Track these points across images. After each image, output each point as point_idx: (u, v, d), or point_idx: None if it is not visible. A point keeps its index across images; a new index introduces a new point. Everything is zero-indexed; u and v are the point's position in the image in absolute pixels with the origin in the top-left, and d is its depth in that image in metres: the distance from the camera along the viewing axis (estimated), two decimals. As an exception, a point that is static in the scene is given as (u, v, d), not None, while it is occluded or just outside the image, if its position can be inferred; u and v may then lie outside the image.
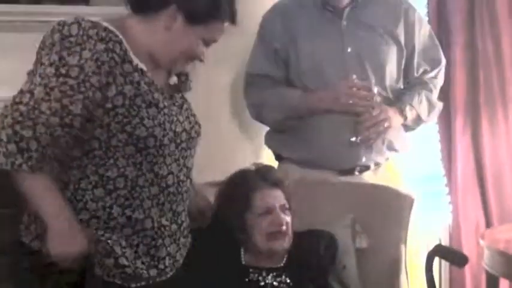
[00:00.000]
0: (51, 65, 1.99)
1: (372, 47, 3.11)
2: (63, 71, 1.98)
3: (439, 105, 3.34)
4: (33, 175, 1.98)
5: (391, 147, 3.16)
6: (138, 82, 2.07)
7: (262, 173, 2.76)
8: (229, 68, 3.50)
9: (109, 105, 2.03)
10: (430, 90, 3.28)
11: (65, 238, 2.02)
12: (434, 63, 3.31)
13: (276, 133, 3.25)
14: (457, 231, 3.86)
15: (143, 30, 2.14)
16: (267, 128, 3.31)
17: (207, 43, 2.18)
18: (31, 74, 2.04)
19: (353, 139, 3.07)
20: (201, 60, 2.20)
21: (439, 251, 3.00)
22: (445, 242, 3.87)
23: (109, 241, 2.06)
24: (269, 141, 3.29)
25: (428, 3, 3.77)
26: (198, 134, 2.26)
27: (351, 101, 3.00)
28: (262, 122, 3.29)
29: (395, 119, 3.12)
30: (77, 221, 2.05)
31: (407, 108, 3.15)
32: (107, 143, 2.05)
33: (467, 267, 3.59)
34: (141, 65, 2.10)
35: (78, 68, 1.99)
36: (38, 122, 1.96)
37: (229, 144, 3.59)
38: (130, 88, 2.05)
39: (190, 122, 2.23)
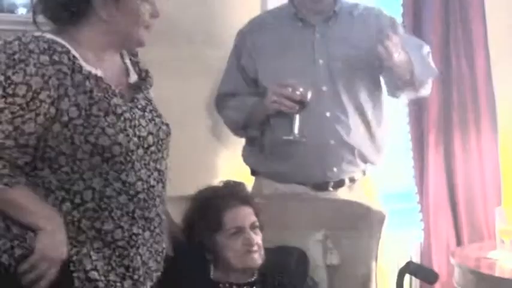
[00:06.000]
0: None
1: (344, 59, 3.10)
2: (10, 90, 1.95)
3: (434, 70, 3.21)
4: (13, 189, 1.98)
5: (363, 158, 3.16)
6: (91, 90, 2.04)
7: (231, 191, 2.75)
8: (207, 80, 3.51)
9: (65, 119, 2.00)
10: (425, 54, 3.19)
11: (55, 242, 2.00)
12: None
13: (251, 148, 3.25)
14: (428, 248, 3.87)
15: (90, 33, 2.12)
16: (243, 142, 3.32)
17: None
18: None
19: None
20: (156, 16, 2.17)
21: (410, 268, 3.00)
22: (416, 260, 3.88)
23: (77, 256, 2.04)
24: (245, 156, 3.29)
25: (403, 23, 3.79)
26: (167, 134, 2.23)
27: (274, 98, 2.98)
28: (231, 129, 3.29)
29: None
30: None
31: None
32: (73, 157, 2.02)
33: (437, 285, 3.61)
34: (96, 71, 2.07)
35: (24, 85, 1.96)
36: None
37: (205, 157, 3.59)
38: (83, 98, 2.02)
39: (156, 124, 2.19)
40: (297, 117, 2.96)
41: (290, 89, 2.94)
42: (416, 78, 3.08)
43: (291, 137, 2.97)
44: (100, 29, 2.12)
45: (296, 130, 2.97)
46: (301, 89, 2.92)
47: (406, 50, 3.00)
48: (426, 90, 3.23)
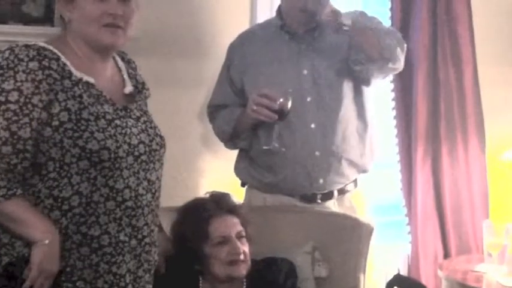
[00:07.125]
0: None
1: (328, 70, 3.12)
2: (2, 98, 1.98)
3: (401, 39, 3.16)
4: (9, 202, 1.99)
5: (353, 166, 3.16)
6: (80, 95, 2.06)
7: (216, 201, 2.76)
8: (200, 91, 3.52)
9: (56, 123, 2.02)
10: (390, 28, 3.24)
11: (52, 254, 2.01)
12: None
13: (241, 160, 3.27)
14: (416, 261, 3.88)
15: (71, 38, 2.15)
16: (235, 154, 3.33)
17: None
18: None
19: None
20: (111, 14, 2.13)
21: (397, 281, 3.01)
22: (404, 272, 3.89)
23: (66, 266, 2.04)
24: (236, 168, 3.31)
25: (392, 35, 3.80)
26: (161, 146, 2.24)
27: (254, 107, 2.98)
28: (221, 140, 3.30)
29: None
30: None
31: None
32: (61, 161, 2.03)
33: (425, 298, 3.62)
34: (88, 78, 2.09)
35: (16, 91, 1.99)
36: None
37: (196, 169, 3.60)
38: (73, 103, 2.04)
39: (149, 134, 2.20)
40: (276, 126, 2.98)
41: (269, 99, 2.94)
42: (382, 46, 3.03)
43: (270, 147, 2.98)
44: (74, 33, 2.15)
45: (275, 140, 2.98)
46: (281, 99, 2.93)
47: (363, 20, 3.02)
48: (396, 65, 3.12)
